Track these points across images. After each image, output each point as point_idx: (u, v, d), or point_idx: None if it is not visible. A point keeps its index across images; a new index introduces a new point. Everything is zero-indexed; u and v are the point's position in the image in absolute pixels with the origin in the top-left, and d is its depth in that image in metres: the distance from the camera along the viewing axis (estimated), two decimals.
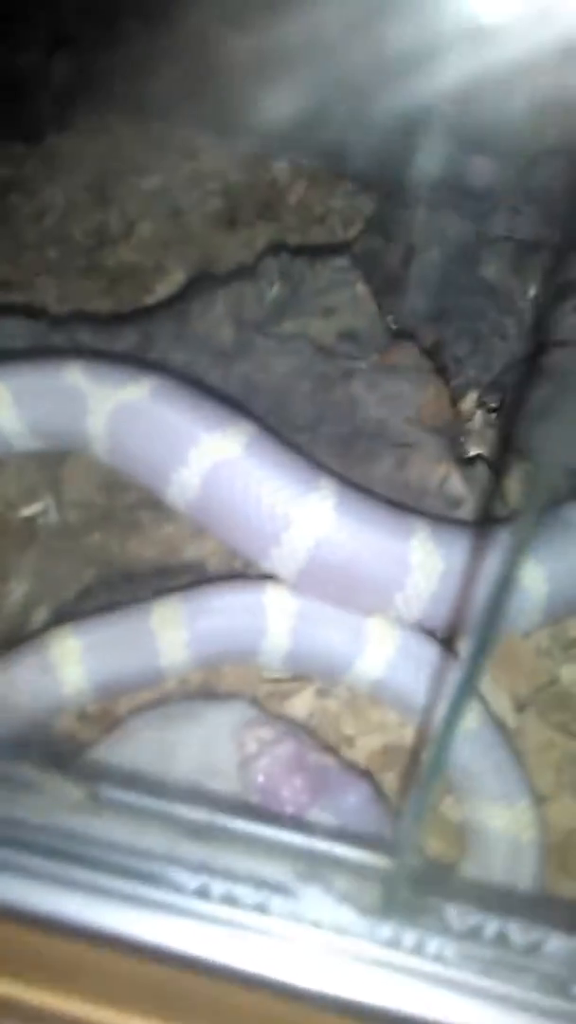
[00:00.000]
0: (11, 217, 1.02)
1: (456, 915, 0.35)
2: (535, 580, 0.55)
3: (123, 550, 0.59)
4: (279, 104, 1.07)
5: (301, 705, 0.57)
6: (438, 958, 0.35)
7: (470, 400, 0.73)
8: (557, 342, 0.74)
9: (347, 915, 0.35)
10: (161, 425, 0.53)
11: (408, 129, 0.88)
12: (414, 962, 0.36)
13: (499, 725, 0.54)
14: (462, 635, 0.56)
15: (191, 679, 0.58)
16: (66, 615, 0.56)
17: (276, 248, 0.80)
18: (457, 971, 0.35)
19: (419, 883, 0.36)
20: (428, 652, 0.55)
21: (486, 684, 0.58)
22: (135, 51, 1.12)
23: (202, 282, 0.77)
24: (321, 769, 0.50)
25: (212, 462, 0.53)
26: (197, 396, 0.55)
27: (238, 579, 0.58)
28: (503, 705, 0.57)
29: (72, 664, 0.53)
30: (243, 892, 0.35)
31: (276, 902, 0.35)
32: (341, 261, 0.78)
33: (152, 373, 0.56)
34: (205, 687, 0.58)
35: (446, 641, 0.56)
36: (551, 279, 0.80)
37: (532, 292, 0.80)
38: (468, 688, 0.35)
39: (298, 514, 0.52)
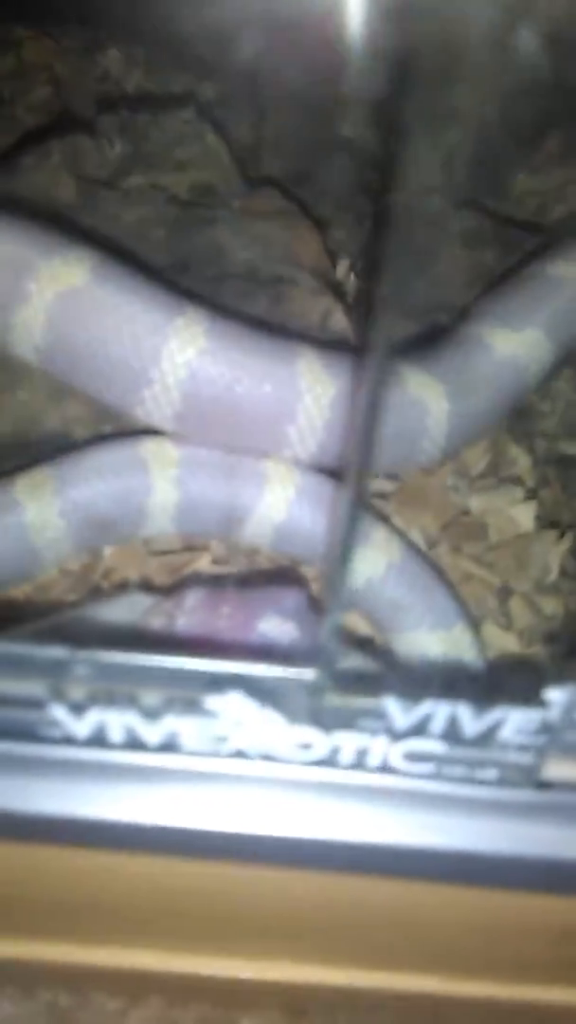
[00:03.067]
0: None
1: (398, 710, 0.29)
2: (436, 397, 0.50)
3: None
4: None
5: (203, 566, 0.51)
6: (384, 767, 0.30)
7: (343, 266, 0.68)
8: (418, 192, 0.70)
9: (278, 724, 0.29)
10: (3, 259, 0.45)
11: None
12: (356, 776, 0.30)
13: (421, 555, 0.49)
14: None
15: (71, 570, 0.51)
16: None
17: (112, 102, 0.72)
18: (404, 778, 0.30)
19: (351, 686, 0.30)
20: (330, 491, 0.49)
21: (397, 522, 0.53)
22: None
23: (29, 139, 0.68)
24: (245, 597, 0.44)
25: (55, 293, 0.45)
26: (28, 226, 0.47)
27: (111, 440, 0.50)
28: (415, 541, 0.52)
29: None
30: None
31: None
32: (187, 113, 0.71)
33: None
34: (86, 580, 0.51)
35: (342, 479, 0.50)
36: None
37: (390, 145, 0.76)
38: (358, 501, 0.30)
39: (166, 343, 0.45)
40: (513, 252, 0.68)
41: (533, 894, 0.34)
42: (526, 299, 0.55)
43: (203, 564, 0.52)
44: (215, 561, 0.52)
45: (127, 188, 0.64)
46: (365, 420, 0.30)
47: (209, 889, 0.36)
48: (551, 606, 0.51)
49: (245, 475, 0.49)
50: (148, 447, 0.48)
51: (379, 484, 0.56)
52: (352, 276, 0.67)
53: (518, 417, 0.57)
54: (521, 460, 0.56)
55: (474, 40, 0.70)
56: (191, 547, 0.52)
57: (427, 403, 0.50)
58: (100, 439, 0.51)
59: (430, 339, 0.56)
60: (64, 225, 0.57)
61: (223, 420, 0.47)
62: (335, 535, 0.46)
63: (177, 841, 0.31)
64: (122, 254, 0.55)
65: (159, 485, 0.48)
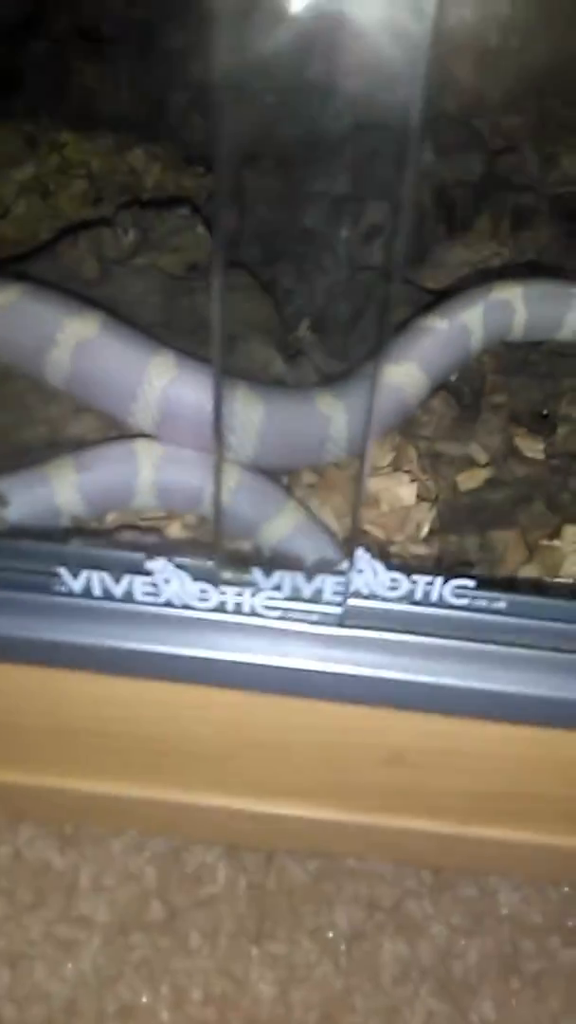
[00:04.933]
0: None
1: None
2: (338, 412, 0.73)
3: (16, 430, 0.75)
4: (131, 102, 1.26)
5: (174, 531, 0.74)
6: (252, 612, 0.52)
7: (303, 327, 0.91)
8: (361, 268, 0.94)
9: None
10: (32, 317, 0.70)
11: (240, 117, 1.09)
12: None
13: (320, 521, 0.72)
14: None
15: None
16: None
17: (130, 203, 0.97)
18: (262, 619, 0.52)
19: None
20: (260, 483, 0.72)
21: (316, 502, 0.75)
22: (4, 65, 1.30)
23: (66, 233, 0.93)
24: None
25: (76, 341, 0.69)
26: (58, 295, 0.72)
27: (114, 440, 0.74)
28: (328, 515, 0.75)
29: None
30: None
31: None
32: (183, 210, 0.95)
33: (26, 283, 0.72)
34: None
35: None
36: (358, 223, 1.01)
37: (344, 234, 1.00)
38: None
39: (147, 372, 0.69)
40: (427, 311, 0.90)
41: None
42: (406, 342, 0.78)
43: (174, 529, 0.74)
44: (184, 526, 0.74)
45: (135, 266, 0.88)
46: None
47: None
48: (420, 550, 0.72)
49: (204, 466, 0.72)
50: (139, 444, 0.72)
51: (307, 477, 0.78)
52: (308, 334, 0.90)
53: (408, 425, 0.79)
54: (411, 456, 0.79)
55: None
56: (169, 517, 0.75)
57: (332, 416, 0.73)
58: (107, 440, 0.75)
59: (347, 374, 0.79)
60: (86, 294, 0.81)
61: (186, 427, 0.70)
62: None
63: (139, 663, 0.54)
64: (126, 315, 0.79)
65: (144, 470, 0.71)
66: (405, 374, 0.76)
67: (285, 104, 1.19)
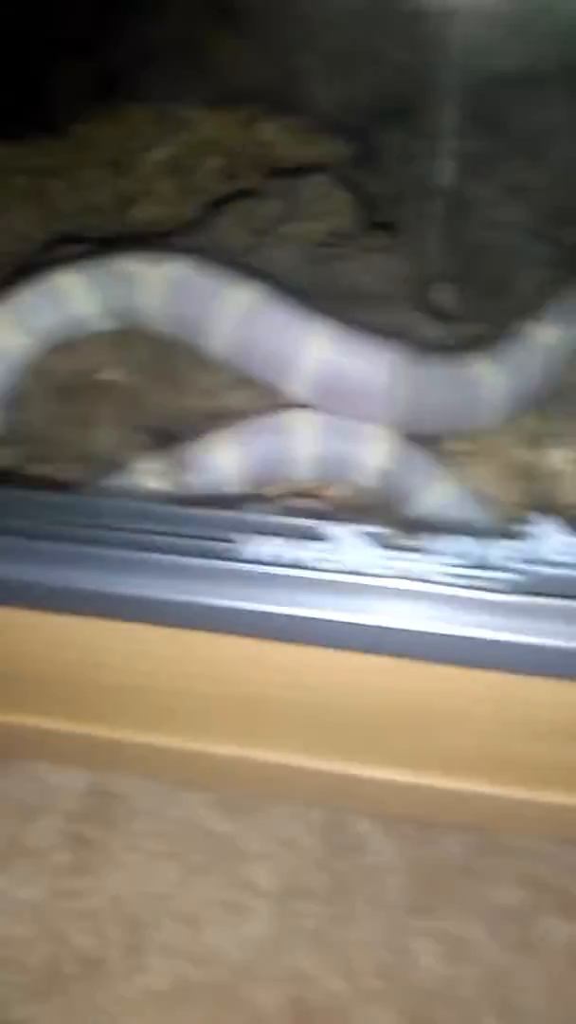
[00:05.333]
0: (46, 193, 1.20)
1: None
2: (492, 375, 0.70)
3: (177, 402, 0.76)
4: (260, 75, 1.26)
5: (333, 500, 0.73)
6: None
7: (444, 288, 0.88)
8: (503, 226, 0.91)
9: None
10: (197, 288, 0.70)
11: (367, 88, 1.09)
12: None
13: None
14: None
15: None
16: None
17: (270, 173, 0.97)
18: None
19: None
20: (416, 451, 0.70)
21: (471, 470, 0.73)
22: (138, 49, 1.32)
23: (213, 206, 0.94)
24: None
25: (239, 309, 0.69)
26: (221, 267, 0.72)
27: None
28: (486, 485, 0.72)
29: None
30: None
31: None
32: (322, 177, 0.94)
33: (187, 255, 0.73)
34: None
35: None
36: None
37: (486, 193, 0.97)
38: None
39: (307, 341, 0.68)
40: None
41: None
42: (563, 305, 0.74)
43: (333, 498, 0.74)
44: (342, 495, 0.74)
45: (281, 235, 0.87)
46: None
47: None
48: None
49: (360, 435, 0.71)
50: (298, 415, 0.71)
51: (459, 446, 0.76)
52: (449, 294, 0.88)
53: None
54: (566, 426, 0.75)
55: None
56: (325, 487, 0.75)
57: (488, 380, 0.70)
58: (264, 411, 0.75)
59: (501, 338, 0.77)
60: (238, 264, 0.82)
61: (345, 396, 0.69)
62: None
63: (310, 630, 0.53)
64: (277, 283, 0.79)
65: (304, 441, 0.71)
66: (554, 335, 0.73)
67: (424, 63, 1.16)
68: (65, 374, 0.79)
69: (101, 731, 0.72)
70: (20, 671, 0.70)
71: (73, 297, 0.75)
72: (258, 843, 0.70)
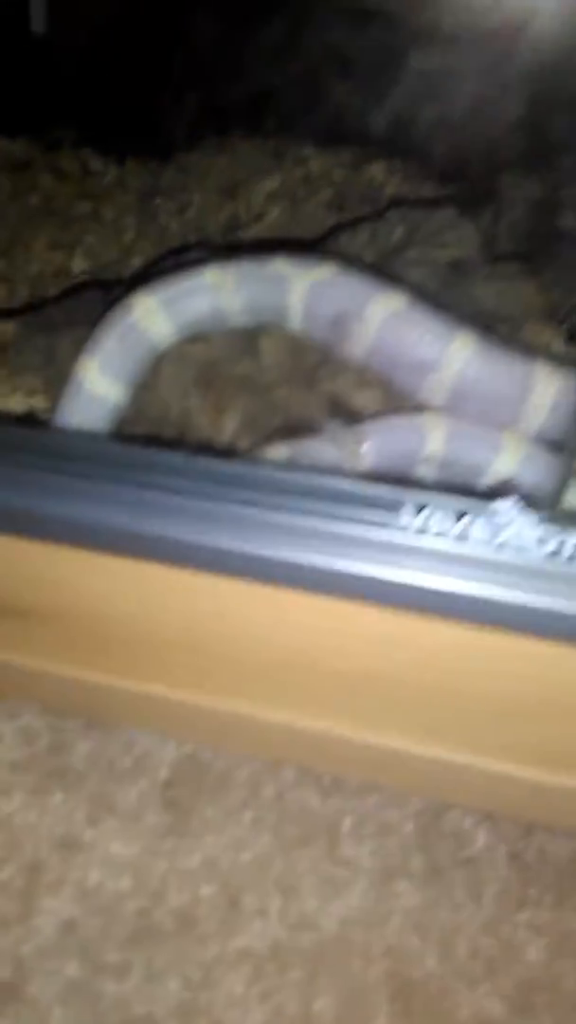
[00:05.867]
0: (156, 214, 1.26)
1: None
2: None
3: (306, 399, 0.80)
4: (374, 120, 1.34)
5: None
6: None
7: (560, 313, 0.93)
8: None
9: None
10: (345, 292, 0.75)
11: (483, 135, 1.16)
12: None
13: None
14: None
15: None
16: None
17: (398, 201, 1.03)
18: None
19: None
20: (546, 457, 0.74)
21: None
22: (250, 86, 1.41)
23: (341, 227, 0.99)
24: None
25: (385, 313, 0.73)
26: (368, 273, 0.77)
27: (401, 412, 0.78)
28: None
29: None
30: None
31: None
32: (448, 211, 1.00)
33: (332, 261, 0.77)
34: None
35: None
36: None
37: None
38: None
39: (450, 347, 0.72)
40: None
41: None
42: None
43: None
44: None
45: (407, 258, 0.92)
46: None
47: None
48: None
49: (491, 440, 0.74)
50: (428, 416, 0.75)
51: None
52: (567, 321, 0.93)
53: None
54: None
55: None
56: None
57: None
58: (394, 411, 0.78)
59: None
60: (380, 274, 0.86)
61: (480, 402, 0.73)
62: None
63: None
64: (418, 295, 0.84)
65: (433, 442, 0.74)
66: None
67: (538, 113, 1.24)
68: (201, 362, 0.83)
69: (202, 700, 0.74)
70: (131, 634, 0.72)
71: (220, 292, 0.80)
72: (355, 824, 0.71)
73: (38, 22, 1.46)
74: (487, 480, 0.75)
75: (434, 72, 1.31)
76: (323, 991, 0.63)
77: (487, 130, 1.26)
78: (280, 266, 0.77)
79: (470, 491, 0.72)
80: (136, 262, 1.12)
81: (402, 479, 0.71)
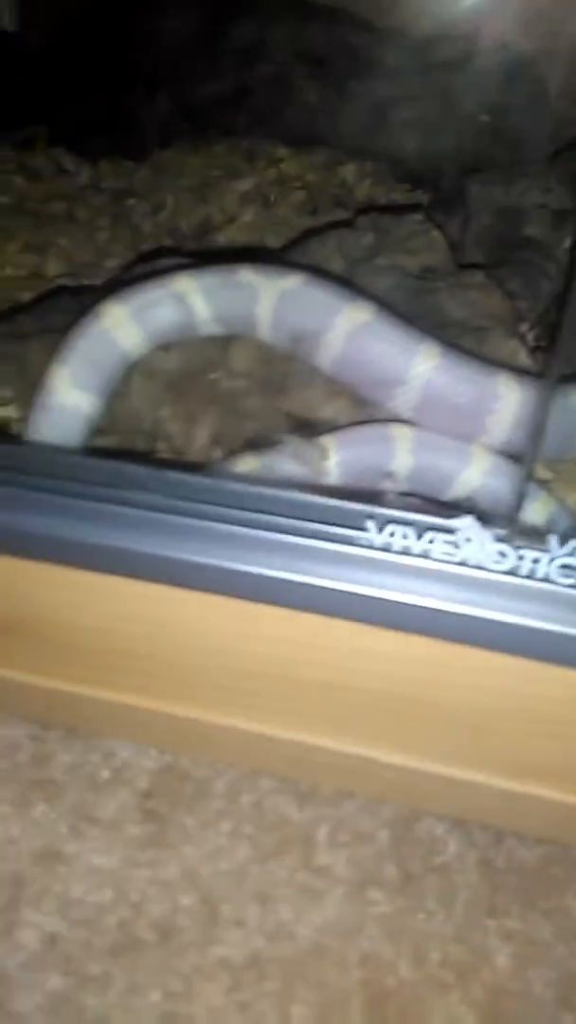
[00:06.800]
0: (129, 215, 1.26)
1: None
2: None
3: (276, 408, 0.80)
4: (345, 123, 1.34)
5: None
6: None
7: (525, 324, 0.94)
8: None
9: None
10: (313, 301, 0.75)
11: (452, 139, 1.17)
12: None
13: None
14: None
15: None
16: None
17: (367, 209, 1.03)
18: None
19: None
20: (511, 469, 0.75)
21: (559, 493, 0.77)
22: (223, 86, 1.41)
23: (311, 233, 0.99)
24: None
25: (352, 325, 0.74)
26: (336, 284, 0.77)
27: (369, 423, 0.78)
28: (570, 504, 0.77)
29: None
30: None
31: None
32: (417, 216, 1.00)
33: (301, 270, 0.77)
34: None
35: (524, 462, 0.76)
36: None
37: (566, 244, 1.03)
38: None
39: (416, 359, 0.73)
40: None
41: None
42: None
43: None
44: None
45: (376, 266, 0.93)
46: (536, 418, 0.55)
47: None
48: None
49: (458, 452, 0.75)
50: (395, 427, 0.76)
51: (543, 472, 0.80)
52: (532, 331, 0.93)
53: None
54: None
55: None
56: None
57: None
58: (359, 423, 0.79)
59: None
60: (347, 284, 0.87)
61: (447, 413, 0.74)
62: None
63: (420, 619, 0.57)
64: (385, 305, 0.84)
65: (400, 453, 0.75)
66: None
67: (504, 121, 1.24)
68: (171, 371, 0.83)
69: (178, 710, 0.75)
70: (107, 645, 0.72)
71: (190, 300, 0.80)
72: (331, 833, 0.72)
73: (8, 19, 1.45)
74: (454, 492, 0.75)
75: (405, 74, 1.31)
76: (300, 1000, 0.64)
77: (456, 134, 1.26)
78: (249, 275, 0.77)
79: (436, 502, 0.72)
80: (110, 264, 1.12)
81: (368, 492, 0.72)
